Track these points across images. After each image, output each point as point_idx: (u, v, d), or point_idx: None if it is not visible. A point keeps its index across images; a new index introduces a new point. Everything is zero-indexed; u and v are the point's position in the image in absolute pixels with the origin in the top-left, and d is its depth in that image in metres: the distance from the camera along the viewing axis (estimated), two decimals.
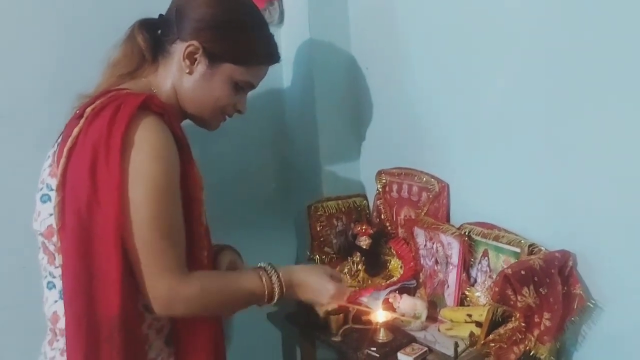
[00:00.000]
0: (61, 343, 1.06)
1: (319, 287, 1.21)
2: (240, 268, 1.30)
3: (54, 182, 1.04)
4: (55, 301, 1.09)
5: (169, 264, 1.02)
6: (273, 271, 1.15)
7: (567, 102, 1.20)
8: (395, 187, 1.64)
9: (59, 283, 1.06)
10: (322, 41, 1.68)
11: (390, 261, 1.57)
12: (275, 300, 1.15)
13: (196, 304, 1.06)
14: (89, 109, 1.04)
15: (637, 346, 1.15)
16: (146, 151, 1.01)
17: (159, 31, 1.20)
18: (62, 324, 1.05)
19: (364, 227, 1.56)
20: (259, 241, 1.56)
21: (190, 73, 1.16)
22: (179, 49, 1.15)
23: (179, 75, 1.17)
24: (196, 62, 1.15)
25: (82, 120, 1.03)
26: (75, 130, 1.03)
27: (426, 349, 1.28)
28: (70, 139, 1.02)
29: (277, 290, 1.14)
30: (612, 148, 1.14)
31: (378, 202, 1.70)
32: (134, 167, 1.00)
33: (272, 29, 1.29)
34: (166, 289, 1.02)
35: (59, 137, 1.12)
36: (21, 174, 1.28)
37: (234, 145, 1.70)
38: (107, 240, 0.99)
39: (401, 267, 1.54)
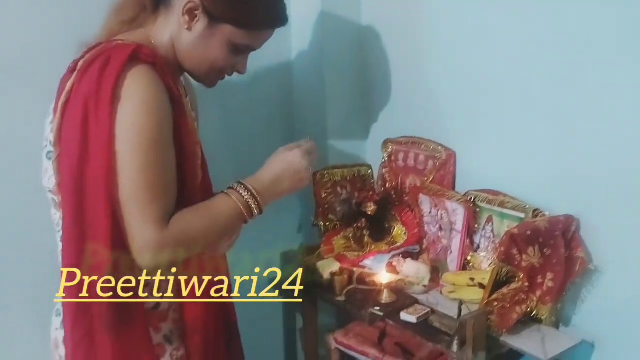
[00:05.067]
0: None
1: (289, 167, 1.18)
2: None
3: (52, 138, 1.03)
4: None
5: (155, 215, 0.99)
6: (240, 185, 1.12)
7: (572, 69, 1.22)
8: (401, 155, 1.65)
9: None
10: (333, 9, 1.68)
11: (394, 228, 1.58)
12: (257, 212, 1.12)
13: (181, 249, 1.02)
14: (81, 62, 1.02)
15: (635, 311, 1.18)
16: (135, 103, 0.99)
17: None
18: None
19: (369, 193, 1.58)
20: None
21: (189, 29, 1.11)
22: (181, 2, 1.10)
23: (177, 29, 1.12)
24: (195, 20, 1.10)
25: (74, 74, 1.02)
26: (69, 85, 1.01)
27: (429, 309, 1.30)
28: (64, 94, 1.01)
29: (252, 201, 1.11)
30: (616, 115, 1.16)
31: (384, 171, 1.70)
32: (122, 120, 0.98)
33: None
34: (152, 241, 0.99)
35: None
36: (26, 128, 1.26)
37: (240, 112, 1.70)
38: (97, 196, 0.97)
39: (405, 233, 1.56)
